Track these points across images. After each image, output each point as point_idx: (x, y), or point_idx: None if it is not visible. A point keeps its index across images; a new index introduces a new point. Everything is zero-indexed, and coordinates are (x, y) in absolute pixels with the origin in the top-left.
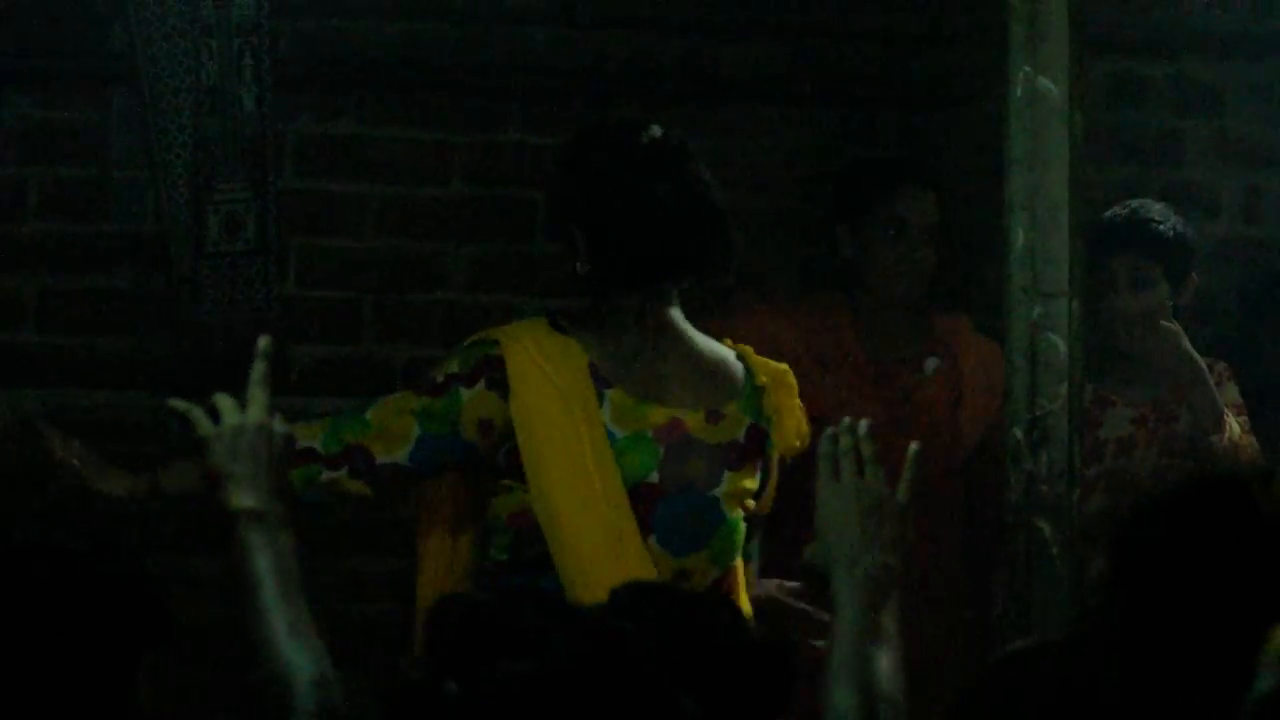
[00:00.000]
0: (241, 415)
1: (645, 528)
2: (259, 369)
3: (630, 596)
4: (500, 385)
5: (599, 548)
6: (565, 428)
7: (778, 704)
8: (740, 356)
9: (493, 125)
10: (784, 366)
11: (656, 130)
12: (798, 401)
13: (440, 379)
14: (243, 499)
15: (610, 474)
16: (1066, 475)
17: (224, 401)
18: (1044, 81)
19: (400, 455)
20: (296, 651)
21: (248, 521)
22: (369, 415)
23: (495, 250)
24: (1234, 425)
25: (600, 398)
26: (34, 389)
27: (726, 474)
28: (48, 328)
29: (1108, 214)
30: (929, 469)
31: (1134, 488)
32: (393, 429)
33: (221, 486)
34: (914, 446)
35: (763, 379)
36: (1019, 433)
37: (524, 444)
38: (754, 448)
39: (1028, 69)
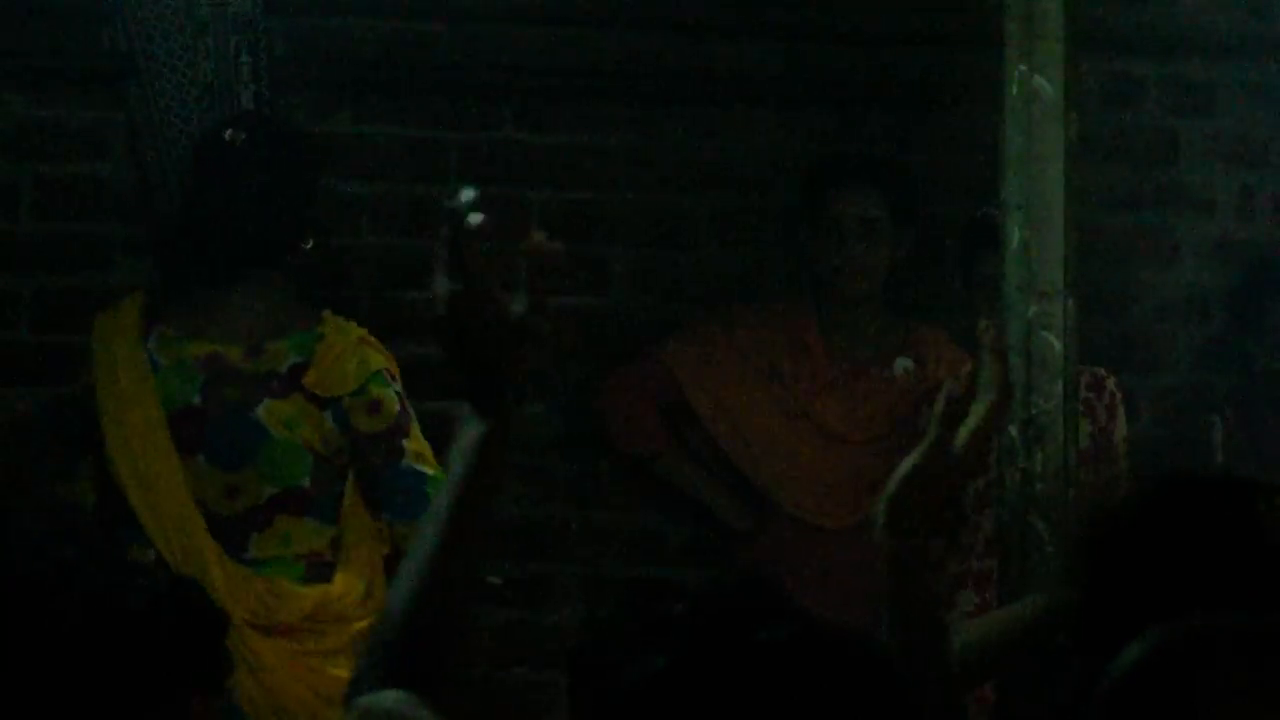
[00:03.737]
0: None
1: (195, 446)
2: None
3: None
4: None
5: (141, 466)
6: (110, 360)
7: None
8: (324, 319)
9: (488, 124)
10: (357, 332)
11: (233, 134)
12: (335, 354)
13: None
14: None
15: (149, 401)
16: (1062, 474)
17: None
18: (1039, 80)
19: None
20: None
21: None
22: None
23: (491, 246)
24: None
25: (148, 331)
26: (28, 388)
27: (267, 400)
28: (42, 327)
29: (979, 213)
30: (892, 464)
31: None
32: None
33: None
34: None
35: (325, 330)
36: (1014, 431)
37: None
38: (298, 380)
39: (1023, 68)
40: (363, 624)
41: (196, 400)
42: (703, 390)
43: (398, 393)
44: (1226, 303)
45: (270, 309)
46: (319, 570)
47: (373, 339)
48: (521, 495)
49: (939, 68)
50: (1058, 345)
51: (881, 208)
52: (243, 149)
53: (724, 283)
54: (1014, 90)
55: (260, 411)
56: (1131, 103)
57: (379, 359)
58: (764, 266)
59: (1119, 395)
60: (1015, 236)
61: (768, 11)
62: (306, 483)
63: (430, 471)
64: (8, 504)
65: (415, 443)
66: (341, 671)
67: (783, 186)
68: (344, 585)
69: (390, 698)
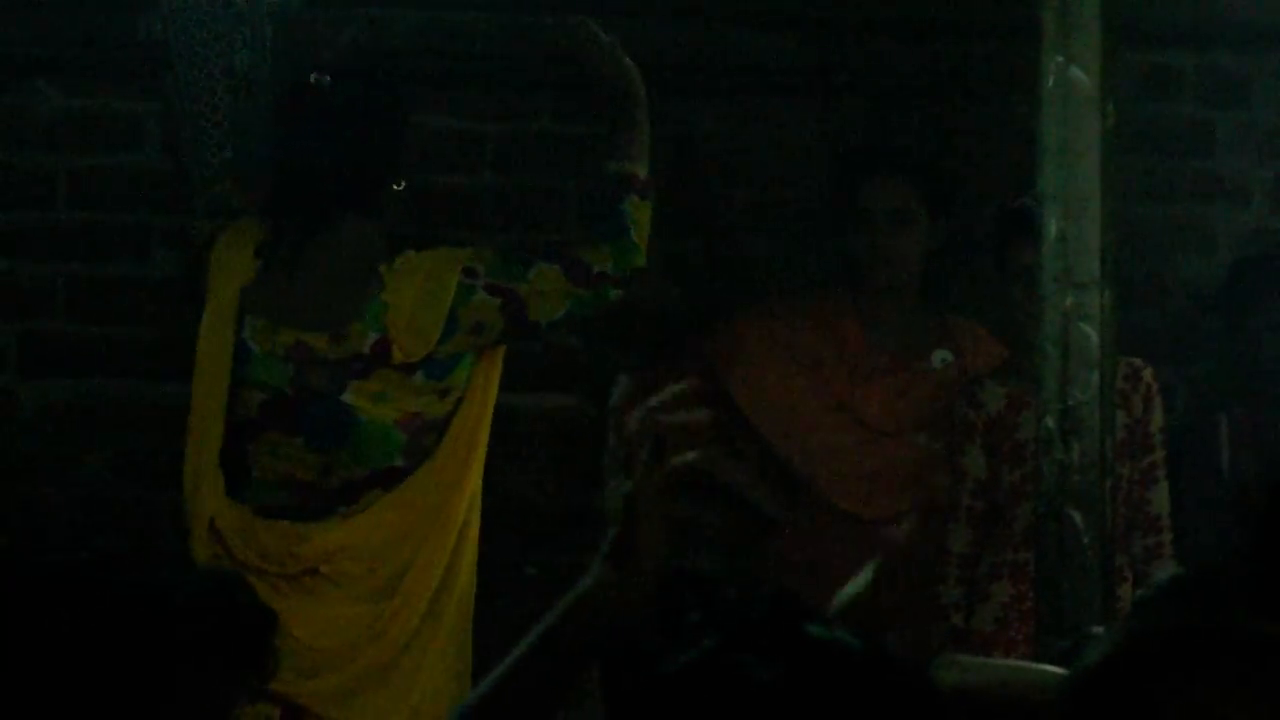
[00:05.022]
0: None
1: (292, 429)
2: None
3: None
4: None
5: (198, 448)
6: (210, 337)
7: None
8: (382, 276)
9: (523, 114)
10: (417, 268)
11: (318, 78)
12: (406, 318)
13: None
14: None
15: (219, 384)
16: (1098, 465)
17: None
18: (1076, 72)
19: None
20: None
21: None
22: None
23: (526, 238)
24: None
25: (242, 320)
26: (64, 378)
27: (351, 383)
28: (77, 316)
29: (1015, 203)
30: (931, 456)
31: None
32: None
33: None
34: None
35: (387, 297)
36: (1051, 422)
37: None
38: (383, 356)
39: (1060, 59)
40: (387, 568)
41: (288, 390)
42: (742, 382)
43: (486, 286)
44: (1215, 301)
45: (354, 278)
46: None
47: (434, 254)
48: (556, 485)
49: (975, 59)
50: (1094, 336)
51: (913, 199)
52: (330, 92)
53: (760, 275)
54: (1050, 82)
55: (348, 395)
56: (1167, 94)
57: (448, 276)
58: (800, 259)
59: (1155, 386)
60: (1052, 228)
61: (803, 3)
62: (399, 461)
63: (552, 315)
64: (54, 497)
65: (534, 305)
66: (361, 608)
67: (818, 178)
68: (357, 530)
69: None
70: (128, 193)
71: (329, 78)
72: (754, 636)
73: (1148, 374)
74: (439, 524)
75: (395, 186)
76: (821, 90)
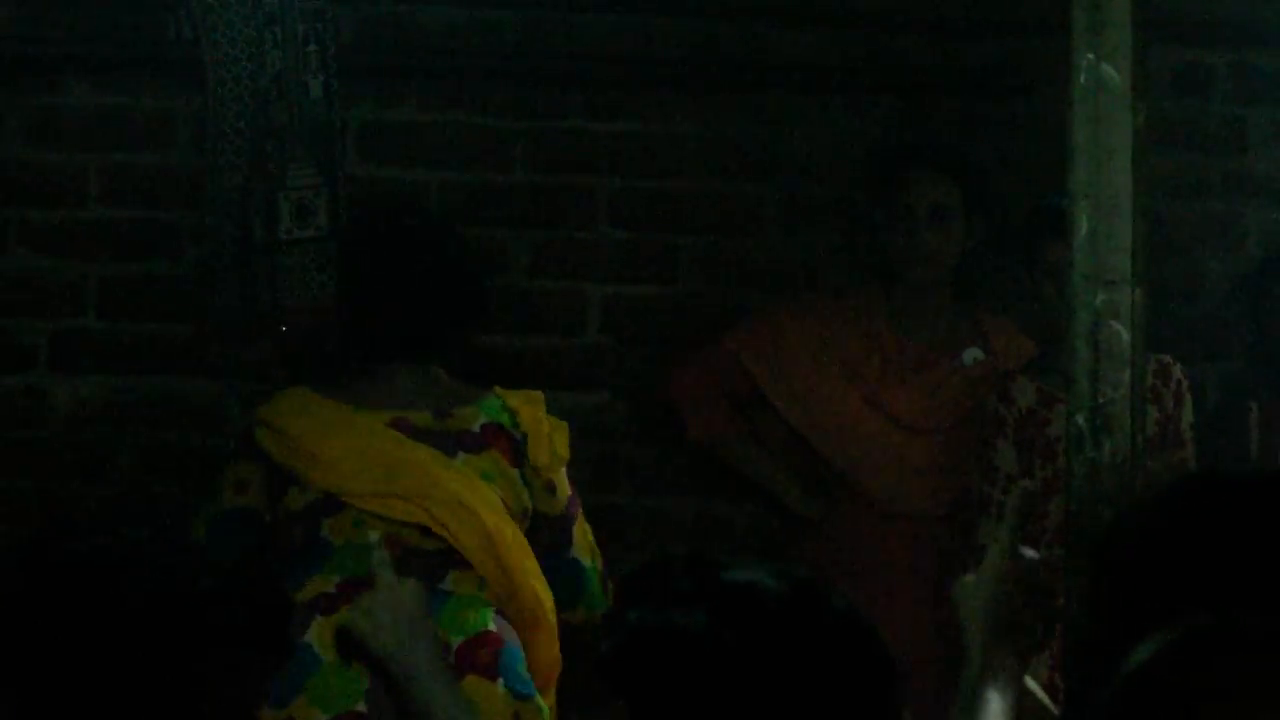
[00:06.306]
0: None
1: None
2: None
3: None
4: (252, 453)
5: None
6: (293, 433)
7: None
8: (496, 391)
9: (554, 112)
10: (536, 395)
11: (407, 220)
12: (547, 429)
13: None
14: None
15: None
16: (1129, 463)
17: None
18: (1107, 69)
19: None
20: None
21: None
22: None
23: (557, 236)
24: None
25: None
26: (95, 375)
27: (461, 455)
28: (109, 314)
29: (1046, 200)
30: (963, 452)
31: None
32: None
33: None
34: (1026, 485)
35: (513, 403)
36: (1081, 421)
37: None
38: (493, 440)
39: (1090, 56)
40: None
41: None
42: (778, 378)
43: (570, 477)
44: (1240, 290)
45: (444, 383)
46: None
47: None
48: (588, 483)
49: (1006, 56)
50: (1125, 334)
51: (955, 196)
52: (417, 237)
53: (791, 271)
54: (1081, 79)
55: (457, 464)
56: (1199, 91)
57: (563, 439)
58: (831, 255)
59: (1186, 383)
60: (1083, 226)
61: (832, 0)
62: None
63: (587, 564)
64: (85, 495)
65: (581, 529)
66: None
67: (850, 174)
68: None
69: None
70: (159, 190)
71: (420, 220)
72: (674, 595)
73: (1178, 370)
74: None
75: (466, 336)
76: (851, 88)
